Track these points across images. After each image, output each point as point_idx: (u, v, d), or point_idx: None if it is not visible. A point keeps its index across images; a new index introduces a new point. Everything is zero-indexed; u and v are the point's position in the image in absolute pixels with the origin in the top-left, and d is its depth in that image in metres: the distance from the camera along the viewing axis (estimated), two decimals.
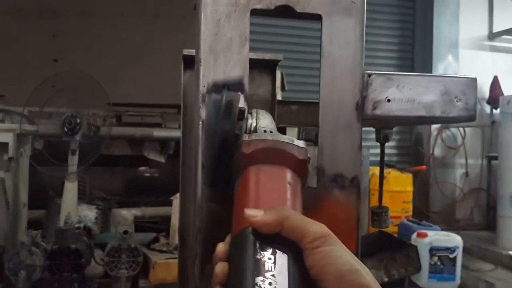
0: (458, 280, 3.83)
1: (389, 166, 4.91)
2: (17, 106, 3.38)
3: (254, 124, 0.69)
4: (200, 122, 0.70)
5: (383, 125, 1.08)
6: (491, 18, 5.82)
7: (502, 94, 5.32)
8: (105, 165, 4.11)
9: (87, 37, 4.31)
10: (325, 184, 0.75)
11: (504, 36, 5.79)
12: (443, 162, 5.65)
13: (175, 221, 3.29)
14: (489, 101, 5.60)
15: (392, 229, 4.13)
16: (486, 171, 5.69)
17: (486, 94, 5.59)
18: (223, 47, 0.71)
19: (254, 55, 0.87)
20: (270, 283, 0.48)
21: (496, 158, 5.20)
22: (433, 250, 3.78)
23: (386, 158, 1.36)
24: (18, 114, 3.35)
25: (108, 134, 3.36)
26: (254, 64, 0.80)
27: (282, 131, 1.09)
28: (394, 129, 1.11)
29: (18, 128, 3.19)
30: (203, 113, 0.70)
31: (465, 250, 4.10)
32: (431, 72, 5.49)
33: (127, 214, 3.62)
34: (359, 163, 0.76)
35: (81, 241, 2.91)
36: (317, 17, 0.75)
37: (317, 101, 0.76)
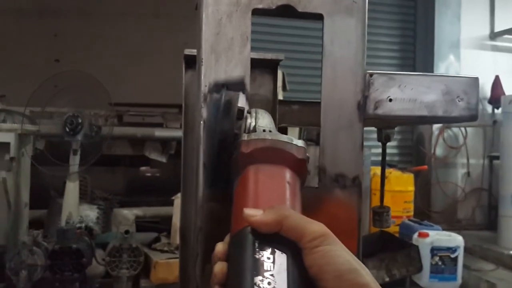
0: (459, 280, 3.83)
1: (391, 166, 4.90)
2: (19, 106, 3.38)
3: (253, 124, 0.69)
4: (201, 122, 0.70)
5: (385, 125, 1.08)
6: (493, 18, 5.82)
7: (504, 93, 5.31)
8: (106, 165, 4.12)
9: (89, 37, 4.31)
10: (327, 184, 0.75)
11: (506, 36, 5.78)
12: (444, 162, 5.65)
13: (176, 221, 3.29)
14: (490, 101, 5.59)
15: (393, 229, 4.13)
16: (488, 171, 5.68)
17: (488, 93, 5.58)
18: (224, 46, 0.71)
19: (255, 55, 0.87)
20: (269, 283, 0.48)
21: (497, 158, 5.19)
22: (434, 250, 3.78)
23: (387, 158, 1.36)
24: (20, 114, 3.36)
25: (109, 134, 3.36)
26: (256, 64, 0.80)
27: (283, 131, 1.09)
28: (396, 129, 1.11)
29: (20, 128, 3.19)
30: (204, 113, 0.70)
31: (467, 250, 4.10)
32: (432, 72, 5.48)
33: (129, 214, 3.62)
34: (361, 163, 0.76)
35: (83, 240, 2.91)
36: (319, 17, 0.75)
37: (319, 100, 0.76)
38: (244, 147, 0.62)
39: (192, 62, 0.98)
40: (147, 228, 3.78)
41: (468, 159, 5.64)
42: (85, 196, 3.73)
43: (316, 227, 0.52)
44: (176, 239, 3.25)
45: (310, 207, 0.71)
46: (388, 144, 1.14)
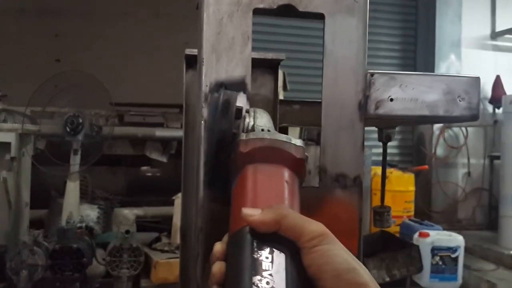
0: (459, 280, 3.83)
1: (391, 166, 4.90)
2: (19, 106, 3.38)
3: (251, 123, 0.68)
4: (202, 122, 0.70)
5: (386, 125, 1.08)
6: (494, 17, 5.81)
7: (505, 93, 5.31)
8: (107, 164, 4.12)
9: (89, 37, 4.32)
10: (327, 183, 0.75)
11: (507, 36, 5.78)
12: (445, 162, 5.65)
13: (176, 220, 3.29)
14: (491, 101, 5.59)
15: (394, 228, 4.13)
16: (488, 171, 5.68)
17: (489, 93, 5.58)
18: (225, 46, 0.71)
19: (256, 55, 0.86)
20: (267, 282, 0.47)
21: (498, 157, 5.19)
22: (435, 250, 3.78)
23: (388, 158, 1.36)
24: (20, 114, 3.36)
25: (110, 134, 3.36)
26: (257, 64, 0.80)
27: (284, 130, 1.09)
28: (396, 128, 1.11)
29: (20, 128, 3.19)
30: (205, 112, 0.70)
31: (467, 250, 4.10)
32: (433, 72, 5.48)
33: (129, 213, 3.62)
34: (362, 163, 0.76)
35: (83, 240, 2.91)
36: (320, 16, 0.75)
37: (320, 100, 0.76)
38: (243, 146, 0.62)
39: (193, 62, 0.98)
40: (148, 228, 3.78)
41: (468, 159, 5.64)
42: (85, 196, 3.73)
43: (314, 226, 0.52)
44: (177, 239, 3.25)
45: (311, 207, 0.71)
46: (389, 144, 1.14)
